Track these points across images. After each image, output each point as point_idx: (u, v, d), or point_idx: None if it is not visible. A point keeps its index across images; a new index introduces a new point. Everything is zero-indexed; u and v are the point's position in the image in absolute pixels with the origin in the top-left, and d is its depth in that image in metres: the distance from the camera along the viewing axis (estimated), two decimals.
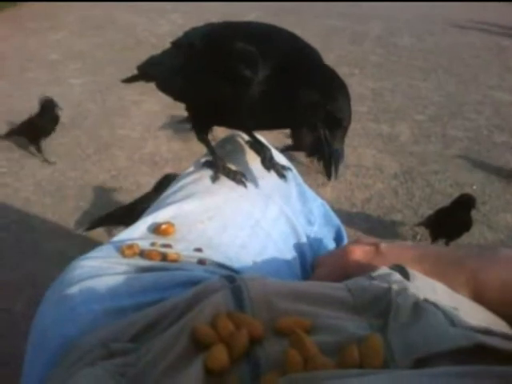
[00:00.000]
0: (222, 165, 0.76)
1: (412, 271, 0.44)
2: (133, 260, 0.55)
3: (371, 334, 0.35)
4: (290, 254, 0.69)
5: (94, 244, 2.18)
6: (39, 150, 2.78)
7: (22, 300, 1.86)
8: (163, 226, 0.62)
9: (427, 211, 2.37)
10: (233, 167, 0.77)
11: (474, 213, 2.34)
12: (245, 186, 0.73)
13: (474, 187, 2.58)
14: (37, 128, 2.75)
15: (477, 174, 2.71)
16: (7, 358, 1.61)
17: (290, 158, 2.62)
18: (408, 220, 2.31)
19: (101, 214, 2.17)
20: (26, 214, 2.37)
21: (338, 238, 0.91)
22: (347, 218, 2.25)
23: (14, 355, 1.60)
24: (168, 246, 0.59)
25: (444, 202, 2.43)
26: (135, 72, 0.92)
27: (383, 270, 0.45)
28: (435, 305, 0.38)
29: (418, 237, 2.21)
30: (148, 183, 2.61)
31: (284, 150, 2.79)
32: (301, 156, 2.82)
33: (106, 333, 0.45)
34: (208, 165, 0.77)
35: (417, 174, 2.69)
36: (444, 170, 2.74)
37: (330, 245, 0.88)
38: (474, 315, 0.38)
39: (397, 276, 0.43)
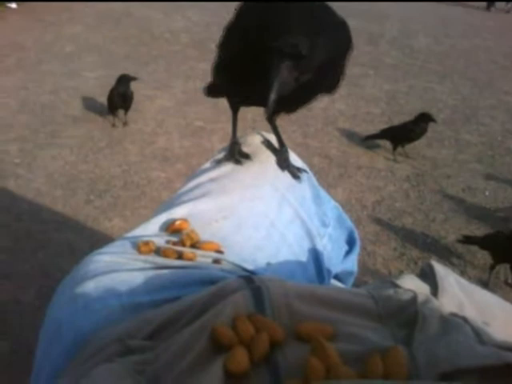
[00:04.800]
0: (237, 150, 0.77)
1: (441, 282, 0.43)
2: (149, 257, 0.54)
3: (395, 346, 0.34)
4: (304, 257, 0.69)
5: (103, 237, 2.19)
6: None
7: (32, 291, 1.87)
8: (177, 223, 0.61)
9: (439, 215, 2.35)
10: (248, 165, 0.77)
11: (485, 219, 2.33)
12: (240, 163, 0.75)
13: (487, 193, 2.56)
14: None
15: (489, 179, 2.69)
16: (16, 348, 1.62)
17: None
18: (419, 224, 2.29)
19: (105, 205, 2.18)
20: (37, 205, 2.39)
21: (350, 241, 0.91)
22: (357, 220, 2.23)
23: (23, 345, 1.62)
24: (180, 242, 0.59)
25: (456, 207, 2.41)
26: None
27: (409, 277, 0.44)
28: (464, 319, 0.37)
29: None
30: (158, 178, 2.61)
31: (366, 139, 2.93)
32: (386, 144, 2.89)
33: (123, 329, 0.45)
34: (225, 160, 0.77)
35: (429, 178, 2.67)
36: (456, 175, 2.71)
37: (343, 247, 0.88)
38: (508, 330, 0.37)
39: (421, 285, 0.42)
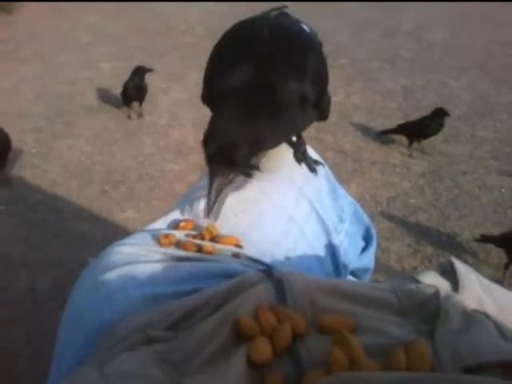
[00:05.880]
0: None
1: (462, 279, 0.42)
2: (169, 249, 0.55)
3: (418, 340, 0.34)
4: (321, 251, 0.69)
5: (117, 228, 2.20)
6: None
7: (47, 279, 1.90)
8: (182, 224, 0.62)
9: (454, 212, 2.33)
10: (265, 157, 0.77)
11: (500, 217, 2.31)
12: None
13: (503, 190, 2.53)
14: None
15: (506, 176, 2.66)
16: (32, 335, 1.65)
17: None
18: (434, 221, 2.27)
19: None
20: (53, 195, 2.42)
21: (367, 237, 0.90)
22: (371, 216, 2.22)
23: (38, 332, 1.65)
24: (197, 236, 0.59)
25: (471, 204, 2.39)
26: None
27: (429, 273, 0.44)
28: (486, 315, 0.37)
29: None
30: (172, 170, 2.63)
31: (381, 134, 2.91)
32: (402, 139, 2.89)
33: (144, 319, 0.45)
34: None
35: (444, 174, 2.65)
36: (472, 172, 2.69)
37: (360, 243, 0.87)
38: None
39: (442, 281, 0.42)
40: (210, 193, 0.57)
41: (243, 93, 0.57)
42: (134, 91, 3.06)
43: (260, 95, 0.58)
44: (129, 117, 3.15)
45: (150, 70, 3.10)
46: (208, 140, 0.56)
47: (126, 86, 3.07)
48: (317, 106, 0.65)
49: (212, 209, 0.58)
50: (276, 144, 0.65)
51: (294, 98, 0.60)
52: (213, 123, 0.58)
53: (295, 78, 0.60)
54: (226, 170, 0.57)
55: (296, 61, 0.61)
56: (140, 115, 3.17)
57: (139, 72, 3.07)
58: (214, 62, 0.65)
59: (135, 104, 3.16)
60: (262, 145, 0.60)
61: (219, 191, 0.58)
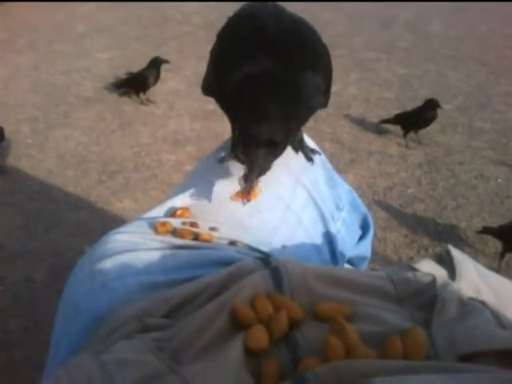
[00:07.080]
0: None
1: (459, 267, 0.42)
2: (166, 237, 0.55)
3: (414, 328, 0.34)
4: (319, 240, 0.69)
5: (114, 218, 2.19)
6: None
7: (44, 269, 1.89)
8: (178, 212, 0.62)
9: (451, 202, 2.33)
10: None
11: (497, 207, 2.31)
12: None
13: (499, 180, 2.53)
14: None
15: (502, 167, 2.66)
16: (28, 326, 1.65)
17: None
18: (430, 211, 2.28)
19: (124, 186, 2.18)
20: (49, 185, 2.40)
21: (364, 226, 0.90)
22: (368, 206, 2.21)
23: (35, 322, 1.64)
24: (195, 224, 0.59)
25: (468, 194, 2.39)
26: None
27: (426, 261, 0.44)
28: (483, 303, 0.37)
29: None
30: (169, 161, 2.62)
31: (381, 123, 2.90)
32: (399, 129, 2.86)
33: (141, 307, 0.45)
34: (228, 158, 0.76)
35: (441, 164, 2.65)
36: (469, 162, 2.69)
37: (357, 232, 0.88)
38: None
39: (439, 269, 0.42)
40: (251, 174, 0.59)
41: (265, 84, 0.59)
42: (152, 81, 3.13)
43: (282, 87, 0.59)
44: (142, 103, 3.20)
45: (166, 62, 3.16)
46: (252, 126, 0.58)
47: (140, 76, 3.11)
48: (324, 95, 0.67)
49: (251, 189, 0.59)
50: (296, 133, 0.67)
51: (312, 90, 0.62)
52: (250, 113, 0.59)
53: (311, 70, 0.61)
54: (269, 154, 0.60)
55: (309, 53, 0.62)
56: (149, 100, 3.21)
57: (156, 63, 3.12)
58: (223, 55, 0.65)
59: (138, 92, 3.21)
60: (291, 134, 0.63)
61: (261, 173, 0.60)
